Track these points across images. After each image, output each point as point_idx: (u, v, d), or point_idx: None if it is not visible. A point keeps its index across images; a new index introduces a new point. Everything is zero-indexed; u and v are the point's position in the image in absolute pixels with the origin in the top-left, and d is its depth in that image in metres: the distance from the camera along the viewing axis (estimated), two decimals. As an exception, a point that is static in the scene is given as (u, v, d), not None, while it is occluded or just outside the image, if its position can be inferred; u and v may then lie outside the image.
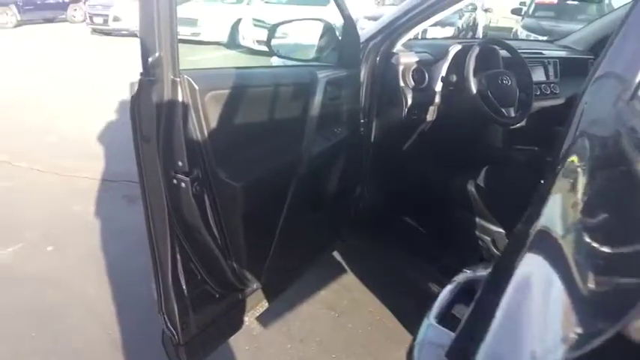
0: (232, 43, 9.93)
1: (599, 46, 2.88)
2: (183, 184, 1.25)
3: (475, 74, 1.98)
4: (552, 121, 2.47)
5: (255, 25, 8.99)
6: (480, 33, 10.24)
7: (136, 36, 1.18)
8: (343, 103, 1.79)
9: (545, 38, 7.57)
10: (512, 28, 9.52)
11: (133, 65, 1.22)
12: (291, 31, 2.24)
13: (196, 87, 1.22)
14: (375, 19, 2.73)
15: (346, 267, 2.53)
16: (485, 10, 10.70)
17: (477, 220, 2.00)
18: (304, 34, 2.02)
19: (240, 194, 1.36)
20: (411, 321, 2.24)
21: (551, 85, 2.49)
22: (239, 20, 9.76)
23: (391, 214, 2.25)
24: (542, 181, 1.23)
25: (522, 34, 8.37)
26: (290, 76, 1.63)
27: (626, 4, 2.54)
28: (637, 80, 1.06)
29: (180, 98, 1.18)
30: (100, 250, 2.62)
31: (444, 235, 2.12)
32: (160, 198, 1.26)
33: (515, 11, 9.39)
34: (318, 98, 1.58)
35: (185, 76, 1.20)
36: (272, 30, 1.86)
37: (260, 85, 1.44)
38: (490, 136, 2.50)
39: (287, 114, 1.55)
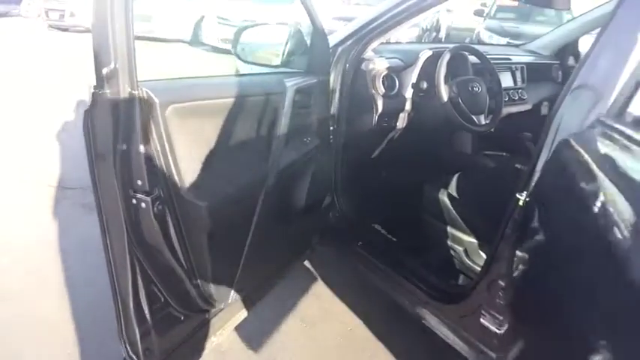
0: (196, 40, 9.69)
1: (563, 51, 2.92)
2: (143, 204, 1.16)
3: (446, 81, 1.96)
4: (520, 126, 2.50)
5: (219, 23, 8.81)
6: (443, 34, 10.35)
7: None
8: (313, 111, 1.73)
9: (506, 40, 7.73)
10: (474, 29, 9.66)
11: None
12: (257, 33, 2.16)
13: (156, 100, 1.13)
14: (343, 20, 2.67)
15: (316, 275, 2.47)
16: (448, 11, 10.82)
17: (449, 228, 1.98)
18: (272, 36, 1.94)
19: (205, 214, 1.28)
20: (382, 330, 2.25)
21: (519, 90, 2.50)
22: (202, 18, 9.53)
23: (362, 222, 2.20)
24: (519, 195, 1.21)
25: (485, 34, 8.51)
26: (257, 85, 1.55)
27: (591, 10, 2.58)
28: (612, 93, 1.05)
29: (138, 113, 1.09)
30: (58, 263, 2.48)
31: (415, 244, 2.09)
32: (118, 219, 1.17)
33: (478, 12, 9.53)
34: (287, 108, 1.52)
35: (144, 89, 1.11)
36: (237, 34, 1.78)
37: (225, 97, 1.36)
38: (460, 142, 2.49)
39: (255, 126, 1.48)
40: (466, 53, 2.11)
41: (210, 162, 1.30)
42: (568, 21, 3.26)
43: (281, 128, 1.50)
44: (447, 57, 1.96)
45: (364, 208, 2.23)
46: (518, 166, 2.02)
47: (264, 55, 1.85)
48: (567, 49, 2.94)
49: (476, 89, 2.01)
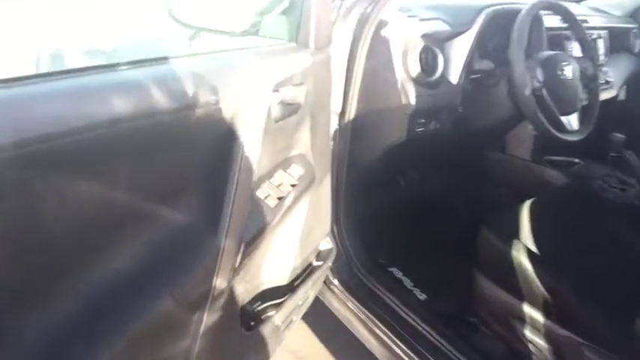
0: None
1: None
2: None
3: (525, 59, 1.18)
4: (603, 121, 1.74)
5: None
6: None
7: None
8: (301, 118, 0.94)
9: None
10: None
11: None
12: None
13: None
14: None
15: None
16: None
17: (487, 282, 1.25)
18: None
19: None
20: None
21: (602, 69, 1.72)
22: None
23: (374, 264, 1.47)
24: None
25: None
26: (187, 80, 0.71)
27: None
28: None
29: None
30: None
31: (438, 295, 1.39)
32: None
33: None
34: (251, 131, 0.74)
35: None
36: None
37: (101, 120, 0.56)
38: (516, 143, 1.74)
39: (163, 199, 0.68)
40: (550, 13, 1.33)
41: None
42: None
43: (232, 184, 0.72)
44: (528, 17, 1.18)
45: (377, 246, 1.50)
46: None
47: (216, 13, 1.03)
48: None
49: (566, 74, 1.24)
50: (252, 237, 0.81)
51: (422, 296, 1.43)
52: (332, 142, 1.28)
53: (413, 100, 1.20)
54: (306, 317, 1.36)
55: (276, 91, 0.81)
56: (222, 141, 0.71)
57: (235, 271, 0.77)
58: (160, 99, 0.58)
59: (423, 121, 1.24)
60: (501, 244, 1.24)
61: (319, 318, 1.56)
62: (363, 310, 1.33)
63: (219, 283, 0.72)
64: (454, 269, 1.45)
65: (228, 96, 0.70)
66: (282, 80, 0.82)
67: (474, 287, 1.31)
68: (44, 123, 0.50)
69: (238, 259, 0.76)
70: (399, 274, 1.51)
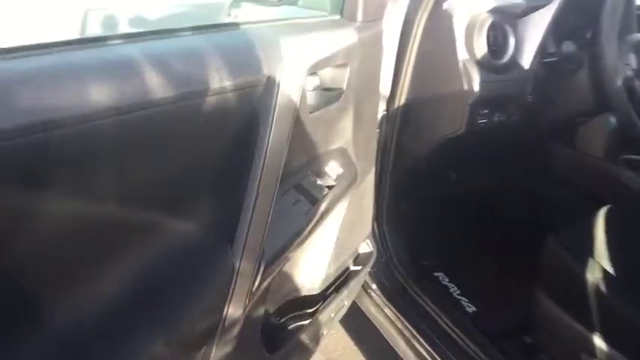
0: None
1: None
2: None
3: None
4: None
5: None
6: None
7: None
8: (343, 105, 0.79)
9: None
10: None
11: None
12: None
13: None
14: None
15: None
16: None
17: (548, 301, 1.08)
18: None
19: None
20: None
21: None
22: None
23: (418, 268, 1.32)
24: None
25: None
26: (208, 59, 0.57)
27: None
28: None
29: None
30: None
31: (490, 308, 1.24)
32: None
33: None
34: (280, 123, 0.59)
35: None
36: None
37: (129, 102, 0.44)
38: (589, 139, 1.52)
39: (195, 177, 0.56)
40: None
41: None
42: None
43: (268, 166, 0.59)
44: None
45: (420, 247, 1.35)
46: None
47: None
48: None
49: None
50: (277, 250, 0.68)
51: (470, 308, 1.27)
52: (377, 131, 1.13)
53: (476, 87, 1.02)
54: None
55: (313, 74, 0.66)
56: (241, 135, 0.58)
57: (253, 294, 0.64)
58: (156, 84, 0.45)
59: (486, 111, 1.06)
60: (569, 259, 1.06)
61: (354, 320, 1.43)
62: (402, 319, 1.19)
63: (232, 311, 0.60)
64: (510, 281, 1.29)
65: (251, 79, 0.56)
66: (321, 60, 0.67)
67: (533, 305, 1.15)
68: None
69: (257, 280, 0.63)
70: (445, 280, 1.36)
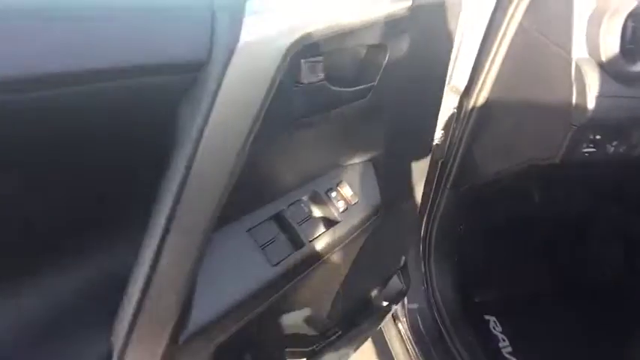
0: None
1: None
2: None
3: None
4: None
5: None
6: None
7: None
8: (374, 105, 0.54)
9: None
10: None
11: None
12: None
13: None
14: None
15: None
16: None
17: None
18: None
19: None
20: None
21: None
22: None
23: (466, 304, 1.07)
24: None
25: None
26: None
27: None
28: None
29: None
30: None
31: None
32: None
33: None
34: (234, 122, 0.37)
35: None
36: None
37: None
38: None
39: None
40: None
41: None
42: None
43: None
44: None
45: (475, 280, 1.09)
46: None
47: None
48: None
49: None
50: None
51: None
52: (441, 133, 0.86)
53: (591, 102, 0.71)
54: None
55: (308, 56, 0.42)
56: (151, 144, 0.36)
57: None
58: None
59: (598, 137, 0.74)
60: None
61: (374, 348, 1.21)
62: None
63: None
64: (588, 342, 0.99)
65: (179, 60, 0.33)
66: (321, 35, 0.42)
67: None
68: None
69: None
70: (496, 328, 1.08)
